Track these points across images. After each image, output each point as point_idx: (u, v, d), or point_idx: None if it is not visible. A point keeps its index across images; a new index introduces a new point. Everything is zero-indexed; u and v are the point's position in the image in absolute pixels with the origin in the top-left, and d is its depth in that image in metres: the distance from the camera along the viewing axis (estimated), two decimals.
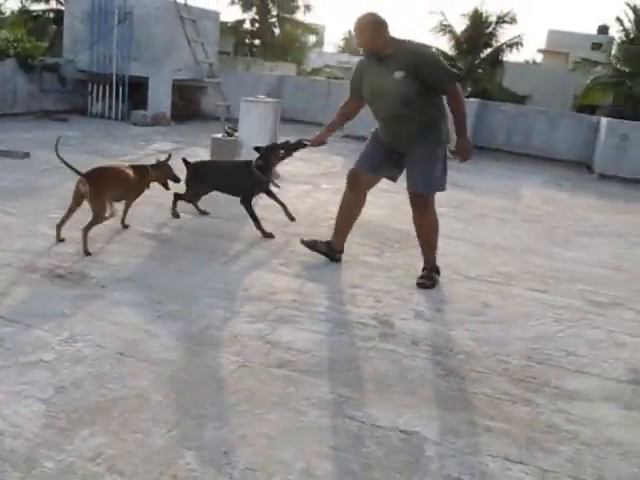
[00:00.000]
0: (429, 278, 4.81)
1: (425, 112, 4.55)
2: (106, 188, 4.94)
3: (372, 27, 4.42)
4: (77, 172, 4.83)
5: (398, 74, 4.38)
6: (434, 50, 4.66)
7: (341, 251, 5.15)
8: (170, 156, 5.72)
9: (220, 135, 8.97)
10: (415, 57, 4.39)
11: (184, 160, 5.90)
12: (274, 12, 32.07)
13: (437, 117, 4.62)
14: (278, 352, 3.48)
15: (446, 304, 4.48)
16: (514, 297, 4.77)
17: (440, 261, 5.27)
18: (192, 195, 5.94)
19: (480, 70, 26.58)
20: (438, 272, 4.92)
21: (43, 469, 2.36)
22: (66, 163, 4.83)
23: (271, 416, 2.86)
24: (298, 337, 3.68)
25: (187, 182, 5.87)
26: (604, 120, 13.13)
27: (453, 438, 2.84)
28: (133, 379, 3.06)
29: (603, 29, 41.90)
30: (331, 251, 5.11)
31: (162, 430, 2.66)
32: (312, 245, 5.15)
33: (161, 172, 5.57)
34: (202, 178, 5.89)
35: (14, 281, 4.12)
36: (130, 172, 5.22)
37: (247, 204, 5.60)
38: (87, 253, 4.68)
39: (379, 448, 2.70)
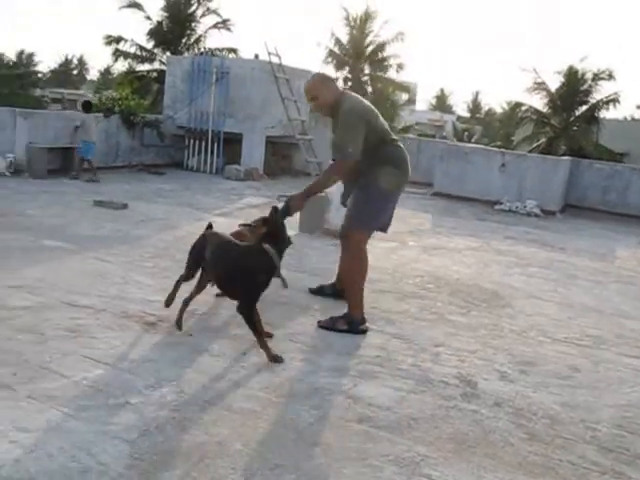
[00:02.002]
0: (332, 320, 4.68)
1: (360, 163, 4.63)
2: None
3: (314, 87, 4.79)
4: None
5: (334, 136, 4.78)
6: (356, 117, 4.58)
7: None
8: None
9: None
10: (338, 120, 4.65)
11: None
12: (367, 71, 32.70)
13: (370, 166, 4.66)
14: (358, 407, 3.48)
15: (531, 366, 4.36)
16: (605, 362, 4.60)
17: (526, 322, 5.17)
18: None
19: (575, 127, 26.14)
20: (353, 323, 4.67)
21: None
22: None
23: (348, 470, 2.86)
24: (379, 393, 3.68)
25: None
26: None
27: None
28: (214, 426, 3.13)
29: None
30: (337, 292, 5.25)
31: (240, 478, 2.70)
32: (319, 290, 5.43)
33: None
34: None
35: (108, 326, 4.32)
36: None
37: None
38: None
39: None
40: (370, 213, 4.77)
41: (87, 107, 12.40)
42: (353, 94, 4.91)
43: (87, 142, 11.68)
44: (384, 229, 5.05)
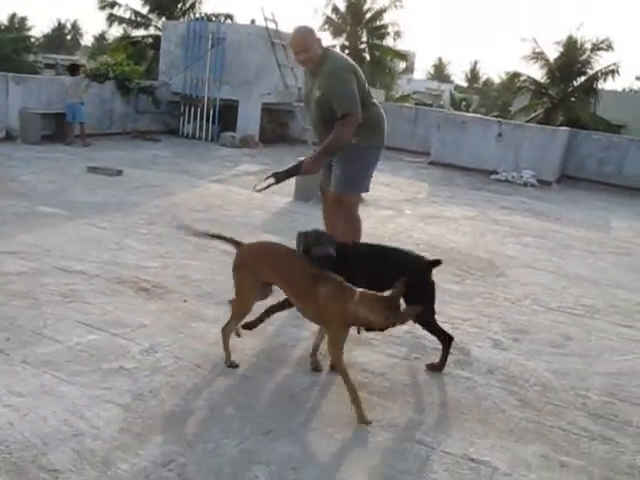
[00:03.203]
0: None
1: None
2: None
3: (305, 39, 4.47)
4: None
5: (317, 93, 4.50)
6: (350, 72, 4.43)
7: None
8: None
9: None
10: (327, 80, 4.41)
11: None
12: (364, 38, 32.35)
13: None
14: (352, 373, 3.46)
15: (525, 334, 4.38)
16: (597, 331, 4.63)
17: (521, 290, 5.18)
18: None
19: (573, 98, 25.97)
20: None
21: (118, 470, 2.47)
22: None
23: (341, 435, 2.88)
24: (373, 359, 3.69)
25: None
26: None
27: (524, 470, 2.78)
28: (208, 391, 3.14)
29: None
30: None
31: (233, 442, 2.72)
32: None
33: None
34: None
35: (101, 291, 4.31)
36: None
37: None
38: None
39: (447, 475, 2.67)
40: (361, 175, 4.73)
41: (73, 70, 12.20)
42: (335, 50, 4.79)
43: (74, 104, 11.55)
44: (368, 189, 4.94)
